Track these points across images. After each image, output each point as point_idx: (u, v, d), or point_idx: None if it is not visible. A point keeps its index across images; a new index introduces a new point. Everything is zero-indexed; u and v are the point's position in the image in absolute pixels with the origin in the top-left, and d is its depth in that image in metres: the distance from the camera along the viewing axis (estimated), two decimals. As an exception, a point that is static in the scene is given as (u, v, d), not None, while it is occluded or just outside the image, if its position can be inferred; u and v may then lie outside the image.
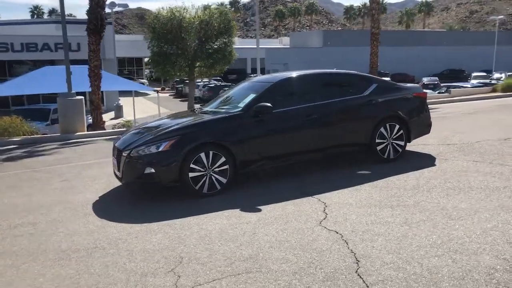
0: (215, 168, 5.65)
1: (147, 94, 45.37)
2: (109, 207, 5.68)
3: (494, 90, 21.87)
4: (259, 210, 5.01)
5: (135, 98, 30.34)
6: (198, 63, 15.16)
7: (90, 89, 15.75)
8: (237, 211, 5.03)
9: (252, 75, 52.50)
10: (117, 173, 6.00)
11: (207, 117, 6.02)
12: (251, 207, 5.14)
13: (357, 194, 5.33)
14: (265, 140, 5.98)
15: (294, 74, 6.63)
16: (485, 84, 25.84)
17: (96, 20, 15.43)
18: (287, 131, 6.14)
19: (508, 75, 45.07)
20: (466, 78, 46.57)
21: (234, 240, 4.20)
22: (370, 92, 6.70)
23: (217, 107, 6.73)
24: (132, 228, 4.76)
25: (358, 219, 4.50)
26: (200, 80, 41.70)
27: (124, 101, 30.72)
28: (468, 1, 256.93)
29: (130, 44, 56.33)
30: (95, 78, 15.73)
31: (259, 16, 14.70)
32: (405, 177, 5.92)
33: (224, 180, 5.72)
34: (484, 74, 44.04)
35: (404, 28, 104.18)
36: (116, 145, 6.11)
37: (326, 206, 4.97)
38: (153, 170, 5.49)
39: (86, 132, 13.70)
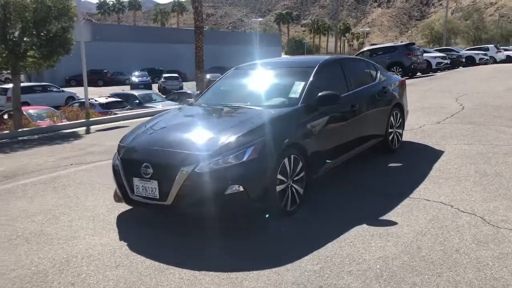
0: (295, 177, 4.38)
1: None
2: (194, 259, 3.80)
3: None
4: (397, 225, 4.08)
5: None
6: (30, 53, 11.77)
7: None
8: (375, 230, 3.97)
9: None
10: (154, 201, 4.06)
11: (271, 113, 4.56)
12: (384, 223, 4.10)
13: (453, 190, 4.84)
14: (326, 135, 4.94)
15: (327, 58, 5.67)
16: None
17: None
18: (341, 123, 5.23)
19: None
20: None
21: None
22: (379, 79, 6.31)
23: (237, 101, 5.23)
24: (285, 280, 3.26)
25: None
26: None
27: None
28: (204, 5, 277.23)
29: None
30: None
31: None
32: (445, 165, 5.72)
33: (301, 191, 4.50)
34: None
35: (159, 25, 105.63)
36: (150, 158, 4.12)
37: (461, 210, 4.31)
38: (241, 189, 3.89)
39: None
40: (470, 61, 27.57)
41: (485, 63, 27.95)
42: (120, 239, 4.08)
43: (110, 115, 15.84)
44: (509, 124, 7.95)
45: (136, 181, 4.15)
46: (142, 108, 19.70)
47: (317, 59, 5.57)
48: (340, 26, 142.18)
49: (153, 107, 20.16)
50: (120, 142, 4.65)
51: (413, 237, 3.75)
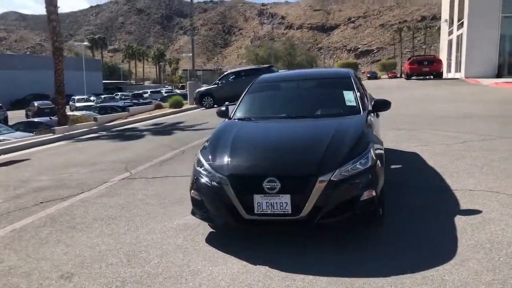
0: (381, 180, 4.60)
1: None
2: None
3: (159, 107, 23.56)
4: (483, 212, 4.59)
5: None
6: None
7: None
8: (475, 219, 4.43)
9: None
10: (284, 216, 3.81)
11: (358, 120, 4.69)
12: (471, 212, 4.49)
13: (478, 181, 5.53)
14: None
15: (348, 69, 5.98)
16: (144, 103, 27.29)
17: None
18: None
19: (104, 97, 48.48)
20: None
21: None
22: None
23: (287, 112, 5.20)
24: None
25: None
26: None
27: None
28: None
29: None
30: None
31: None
32: (437, 163, 6.49)
33: (380, 194, 4.73)
34: (86, 97, 45.49)
35: None
36: (276, 171, 3.85)
37: (509, 195, 5.00)
38: (373, 193, 3.94)
39: None
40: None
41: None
42: (253, 263, 3.71)
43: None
44: (434, 128, 9.38)
45: (258, 198, 3.83)
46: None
47: (341, 70, 5.90)
48: (154, 52, 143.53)
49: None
50: (213, 160, 4.18)
51: (513, 220, 4.29)
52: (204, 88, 23.00)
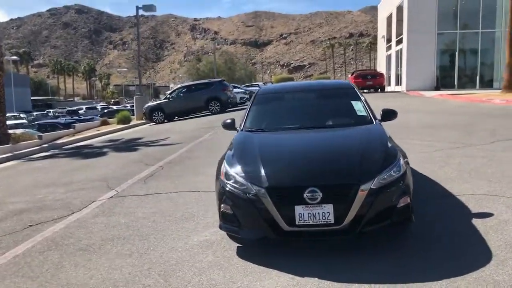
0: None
1: None
2: None
3: (105, 123, 22.68)
4: (495, 214, 4.82)
5: None
6: None
7: None
8: (492, 221, 4.64)
9: None
10: (326, 227, 3.79)
11: (377, 129, 4.85)
12: (485, 215, 4.71)
13: (474, 185, 5.85)
14: None
15: (345, 80, 6.11)
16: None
17: None
18: None
19: (36, 114, 45.94)
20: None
21: None
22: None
23: (299, 123, 5.25)
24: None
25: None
26: None
27: None
28: None
29: None
30: None
31: None
32: (425, 169, 6.80)
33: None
34: (16, 114, 42.87)
35: None
36: (318, 181, 3.82)
37: (508, 197, 5.31)
38: (408, 200, 4.03)
39: None
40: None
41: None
42: (300, 275, 3.64)
43: None
44: (404, 137, 9.66)
45: (299, 209, 3.78)
46: None
47: (342, 82, 6.06)
48: (84, 66, 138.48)
49: None
50: (245, 172, 4.08)
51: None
52: (154, 102, 22.53)
